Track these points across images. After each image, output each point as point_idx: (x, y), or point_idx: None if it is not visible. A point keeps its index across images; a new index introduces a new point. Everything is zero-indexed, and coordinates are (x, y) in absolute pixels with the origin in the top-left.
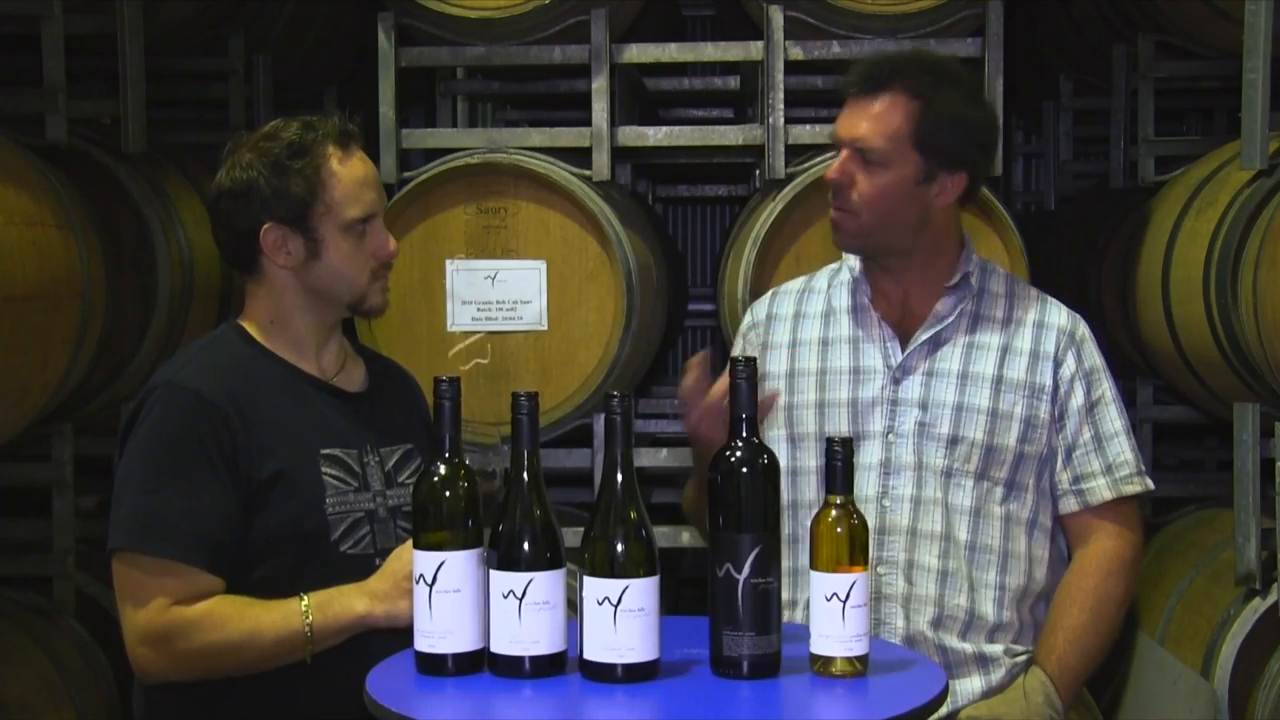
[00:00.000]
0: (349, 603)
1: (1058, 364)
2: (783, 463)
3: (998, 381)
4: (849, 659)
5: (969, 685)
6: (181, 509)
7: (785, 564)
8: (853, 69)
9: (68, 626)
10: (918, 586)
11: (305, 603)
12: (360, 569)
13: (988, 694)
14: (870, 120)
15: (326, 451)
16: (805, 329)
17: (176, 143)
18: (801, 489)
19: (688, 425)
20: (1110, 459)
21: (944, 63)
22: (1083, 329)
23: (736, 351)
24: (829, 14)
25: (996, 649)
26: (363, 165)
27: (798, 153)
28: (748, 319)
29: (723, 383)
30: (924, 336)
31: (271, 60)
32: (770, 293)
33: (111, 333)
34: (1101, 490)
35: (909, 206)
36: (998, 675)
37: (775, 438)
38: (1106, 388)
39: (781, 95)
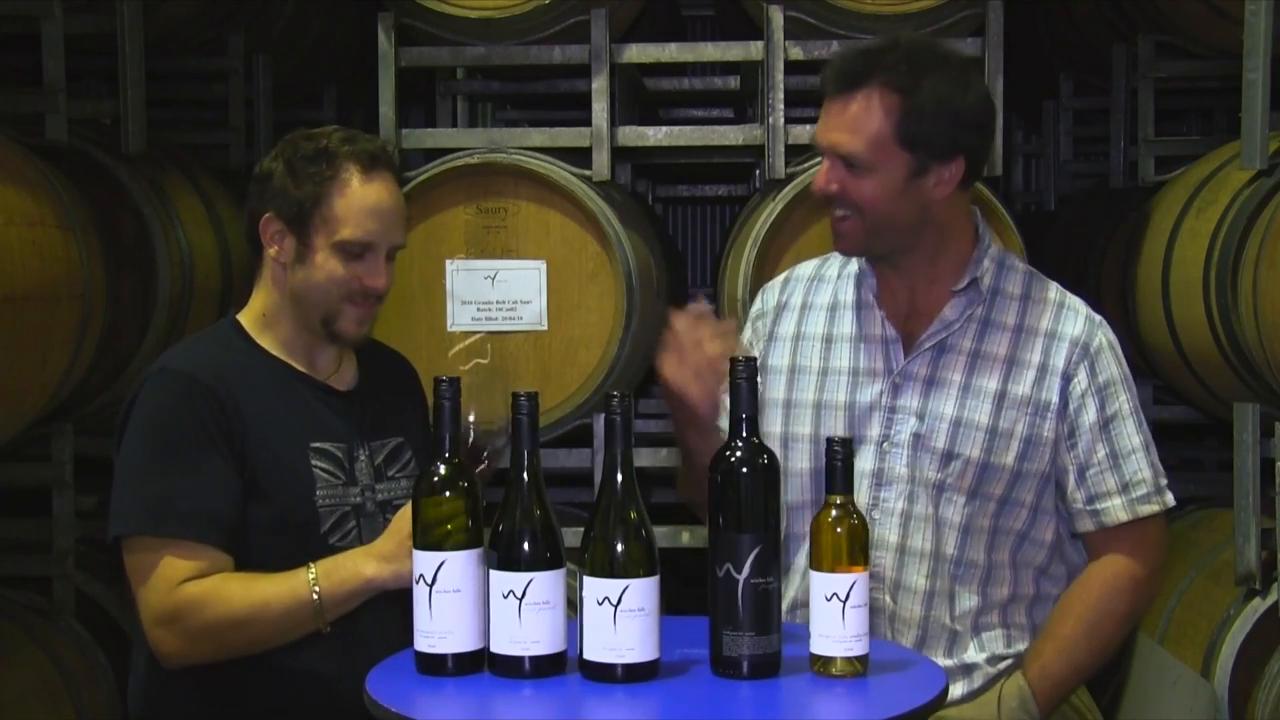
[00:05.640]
0: (356, 567)
1: (1067, 379)
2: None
3: (1000, 397)
4: (849, 659)
5: (953, 691)
6: (187, 489)
7: None
8: (827, 66)
9: (67, 626)
10: (902, 608)
11: (312, 571)
12: None
13: (968, 698)
14: (848, 123)
15: (316, 445)
16: (810, 322)
17: (176, 143)
18: (791, 490)
19: (665, 372)
20: (1127, 477)
21: (925, 46)
22: (1100, 338)
23: (745, 338)
24: (829, 14)
25: (979, 657)
26: (379, 193)
27: (798, 153)
28: (758, 305)
29: (711, 332)
30: (929, 343)
31: (271, 60)
32: (783, 277)
33: (111, 333)
34: (1117, 511)
35: (905, 205)
36: (979, 680)
37: (770, 434)
38: (1123, 401)
39: (781, 95)
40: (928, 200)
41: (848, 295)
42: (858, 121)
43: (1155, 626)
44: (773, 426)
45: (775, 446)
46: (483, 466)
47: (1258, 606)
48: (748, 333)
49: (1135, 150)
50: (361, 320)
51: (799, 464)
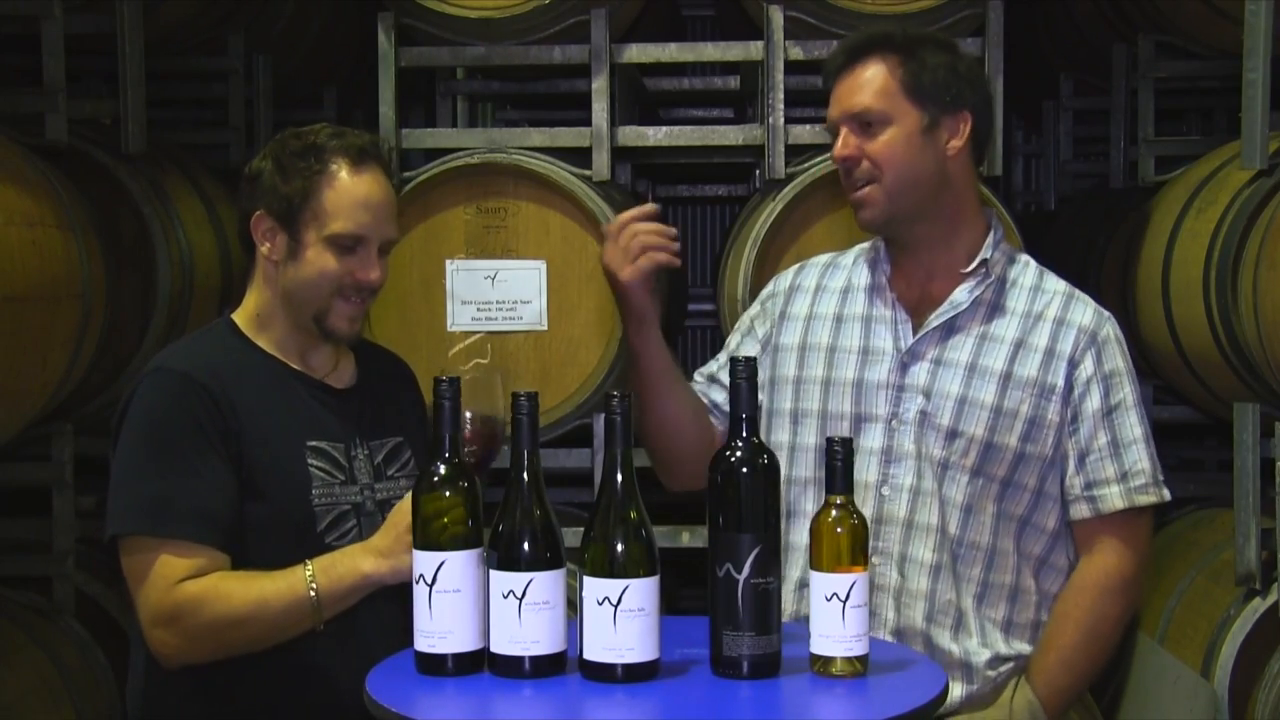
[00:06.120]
0: (354, 563)
1: (1073, 364)
2: (785, 437)
3: (1006, 377)
4: (849, 659)
5: (952, 691)
6: (184, 488)
7: None
8: (828, 58)
9: (67, 626)
10: (910, 581)
11: (309, 569)
12: None
13: (968, 700)
14: (858, 87)
15: (313, 444)
16: (823, 303)
17: (176, 143)
18: (799, 465)
19: (603, 258)
20: (1126, 466)
21: (916, 30)
22: (1108, 330)
23: (750, 314)
24: (829, 14)
25: (981, 658)
26: (368, 186)
27: (798, 153)
28: (769, 287)
29: (643, 216)
30: (936, 322)
31: (271, 60)
32: (797, 265)
33: (111, 333)
34: (1114, 498)
35: (924, 160)
36: (979, 683)
37: (780, 410)
38: (1127, 392)
39: (781, 95)
40: (944, 157)
41: (861, 279)
42: (867, 83)
43: (1155, 626)
44: (784, 403)
45: (787, 423)
46: (483, 460)
47: (1258, 606)
48: (755, 309)
49: (1135, 150)
50: (353, 317)
51: (808, 439)
